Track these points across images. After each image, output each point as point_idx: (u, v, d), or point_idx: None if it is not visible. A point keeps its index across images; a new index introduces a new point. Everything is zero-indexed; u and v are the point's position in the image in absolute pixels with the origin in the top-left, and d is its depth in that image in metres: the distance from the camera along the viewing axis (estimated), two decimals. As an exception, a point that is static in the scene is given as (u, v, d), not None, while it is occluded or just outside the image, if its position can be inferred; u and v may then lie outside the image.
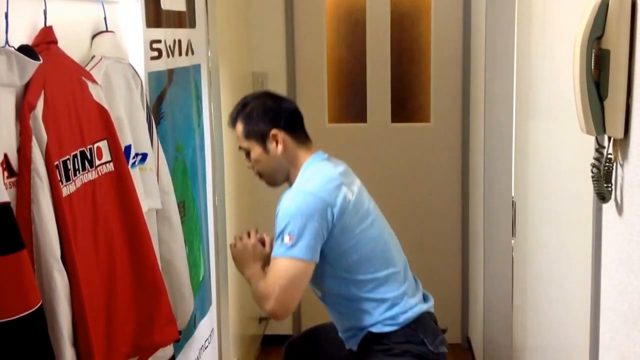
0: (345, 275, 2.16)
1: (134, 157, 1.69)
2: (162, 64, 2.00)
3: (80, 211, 1.43)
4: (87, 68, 1.57)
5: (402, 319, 2.14)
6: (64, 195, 1.36)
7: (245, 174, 3.47)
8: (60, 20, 1.47)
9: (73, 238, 1.37)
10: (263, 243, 2.30)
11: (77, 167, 1.44)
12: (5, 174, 1.25)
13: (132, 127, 1.69)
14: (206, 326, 2.42)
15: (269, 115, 2.19)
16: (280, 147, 2.18)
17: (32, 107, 1.31)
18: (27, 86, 1.31)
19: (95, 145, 1.51)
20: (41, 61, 1.31)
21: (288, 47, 3.64)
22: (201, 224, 2.34)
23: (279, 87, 3.66)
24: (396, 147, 3.75)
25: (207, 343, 2.42)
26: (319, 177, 2.15)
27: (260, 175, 2.27)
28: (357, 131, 3.76)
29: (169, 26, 2.07)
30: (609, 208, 1.29)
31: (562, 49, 1.66)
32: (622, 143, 1.19)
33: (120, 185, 1.58)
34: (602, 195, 1.26)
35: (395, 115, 3.74)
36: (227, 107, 2.95)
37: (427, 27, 3.66)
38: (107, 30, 1.67)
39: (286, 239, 2.05)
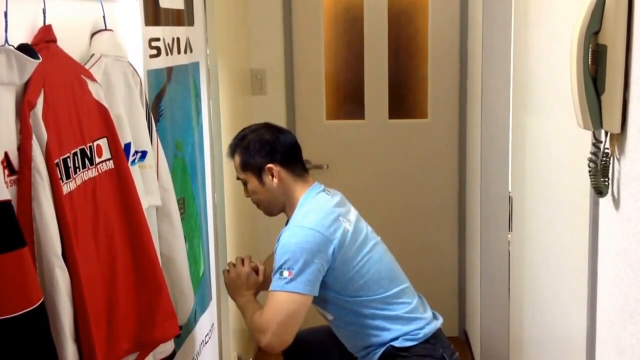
0: (355, 299, 2.19)
1: (133, 155, 1.69)
2: (161, 62, 2.01)
3: (80, 208, 1.44)
4: (87, 66, 1.57)
5: (421, 334, 2.19)
6: (64, 193, 1.37)
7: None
8: (60, 18, 1.48)
9: (74, 235, 1.38)
10: (256, 271, 2.33)
11: (77, 165, 1.44)
12: (6, 172, 1.26)
13: (132, 125, 1.70)
14: (206, 321, 2.43)
15: (266, 149, 2.25)
16: (275, 180, 2.24)
17: (32, 106, 1.31)
18: (26, 85, 1.32)
19: (95, 143, 1.52)
20: (40, 60, 1.32)
21: (286, 44, 3.64)
22: (201, 220, 2.35)
23: (277, 84, 3.67)
24: (394, 144, 3.76)
25: (207, 338, 2.43)
26: (316, 212, 2.18)
27: (258, 205, 2.34)
28: (355, 128, 3.77)
29: (167, 24, 2.07)
30: (605, 202, 1.30)
31: (559, 44, 1.66)
32: (619, 138, 1.20)
33: (120, 183, 1.58)
34: (599, 190, 1.27)
35: (392, 111, 3.75)
36: (226, 104, 2.96)
37: (424, 23, 3.66)
38: (106, 29, 1.68)
39: (285, 273, 2.08)
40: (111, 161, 1.56)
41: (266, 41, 3.64)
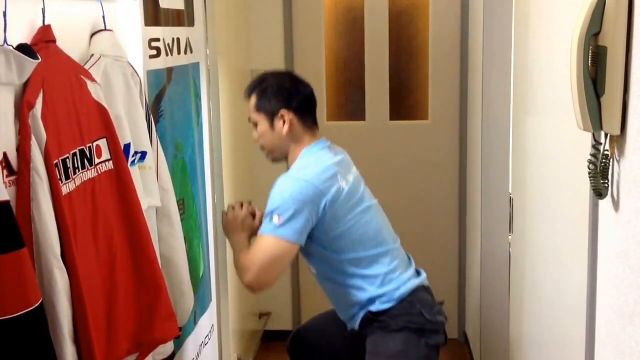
0: (336, 255, 2.23)
1: (133, 156, 1.69)
2: (161, 63, 2.01)
3: (80, 209, 1.44)
4: (86, 67, 1.57)
5: (397, 295, 2.22)
6: (63, 194, 1.37)
7: (244, 171, 3.49)
8: (59, 19, 1.47)
9: (73, 236, 1.38)
10: (254, 216, 2.38)
11: (76, 166, 1.44)
12: (5, 172, 1.26)
13: (132, 126, 1.70)
14: (206, 322, 2.43)
15: (283, 95, 2.28)
16: (286, 127, 2.27)
17: (31, 106, 1.31)
18: (26, 85, 1.32)
19: (95, 144, 1.52)
20: (40, 60, 1.32)
21: (287, 45, 3.64)
22: (201, 221, 2.35)
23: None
24: (394, 145, 3.76)
25: (207, 339, 2.43)
26: (315, 166, 2.21)
27: (262, 148, 2.36)
28: (356, 129, 3.77)
29: (167, 25, 2.07)
30: (605, 204, 1.30)
31: (560, 46, 1.66)
32: (619, 139, 1.20)
33: (119, 184, 1.58)
34: (599, 192, 1.26)
35: (393, 113, 3.75)
36: (226, 105, 2.95)
37: (425, 24, 3.66)
38: (105, 29, 1.68)
39: (275, 219, 2.13)
40: (111, 162, 1.56)
41: (267, 42, 3.64)
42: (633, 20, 1.14)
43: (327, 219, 2.17)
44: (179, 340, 2.07)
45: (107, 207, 1.54)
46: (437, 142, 3.72)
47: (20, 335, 1.21)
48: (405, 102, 3.80)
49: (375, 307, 2.22)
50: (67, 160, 1.41)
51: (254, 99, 2.31)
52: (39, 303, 1.23)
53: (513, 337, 2.50)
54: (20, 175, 1.29)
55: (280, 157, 2.35)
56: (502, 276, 2.74)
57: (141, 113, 1.76)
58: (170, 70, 2.08)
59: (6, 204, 1.19)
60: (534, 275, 2.12)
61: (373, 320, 2.23)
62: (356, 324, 2.28)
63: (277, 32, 3.63)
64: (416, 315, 2.21)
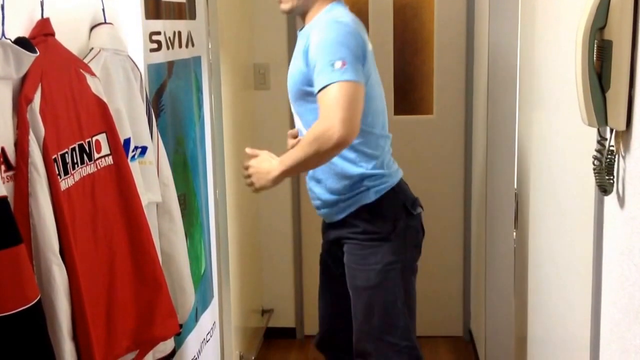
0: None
1: (133, 150, 1.68)
2: (162, 56, 1.99)
3: (79, 205, 1.43)
4: (85, 60, 1.56)
5: (387, 184, 2.25)
6: (62, 189, 1.35)
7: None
8: (58, 11, 1.46)
9: (72, 232, 1.37)
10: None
11: (75, 161, 1.43)
12: (3, 167, 1.25)
13: (132, 120, 1.69)
14: (208, 319, 2.42)
15: None
16: None
17: (29, 100, 1.30)
18: (24, 79, 1.30)
19: (94, 139, 1.51)
20: (38, 54, 1.30)
21: (290, 38, 3.62)
22: (202, 216, 2.33)
23: (281, 79, 3.64)
24: (399, 140, 3.71)
25: (209, 336, 2.42)
26: (349, 17, 2.17)
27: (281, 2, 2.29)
28: (360, 123, 3.74)
29: (168, 18, 2.05)
30: (610, 200, 1.28)
31: (566, 40, 1.64)
32: (624, 135, 1.18)
33: (119, 179, 1.57)
34: (604, 188, 1.25)
35: (398, 107, 3.73)
36: (228, 99, 2.94)
37: (430, 18, 3.63)
38: (105, 22, 1.66)
39: (337, 64, 1.99)
40: (110, 157, 1.55)
41: (270, 35, 3.62)
42: (639, 14, 1.12)
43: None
44: (180, 337, 2.06)
45: (106, 203, 1.53)
46: (442, 137, 3.69)
47: (18, 332, 1.20)
48: (410, 96, 3.78)
49: (366, 198, 2.20)
50: (66, 155, 1.40)
51: None
52: (37, 300, 1.23)
53: (518, 335, 2.49)
54: (18, 170, 1.27)
55: (302, 7, 2.25)
56: (507, 272, 2.72)
57: (141, 107, 1.75)
58: (171, 64, 2.07)
59: (4, 199, 1.18)
60: (538, 272, 2.10)
61: (360, 211, 2.20)
62: (341, 215, 2.23)
63: (281, 25, 3.61)
64: (400, 206, 2.24)
